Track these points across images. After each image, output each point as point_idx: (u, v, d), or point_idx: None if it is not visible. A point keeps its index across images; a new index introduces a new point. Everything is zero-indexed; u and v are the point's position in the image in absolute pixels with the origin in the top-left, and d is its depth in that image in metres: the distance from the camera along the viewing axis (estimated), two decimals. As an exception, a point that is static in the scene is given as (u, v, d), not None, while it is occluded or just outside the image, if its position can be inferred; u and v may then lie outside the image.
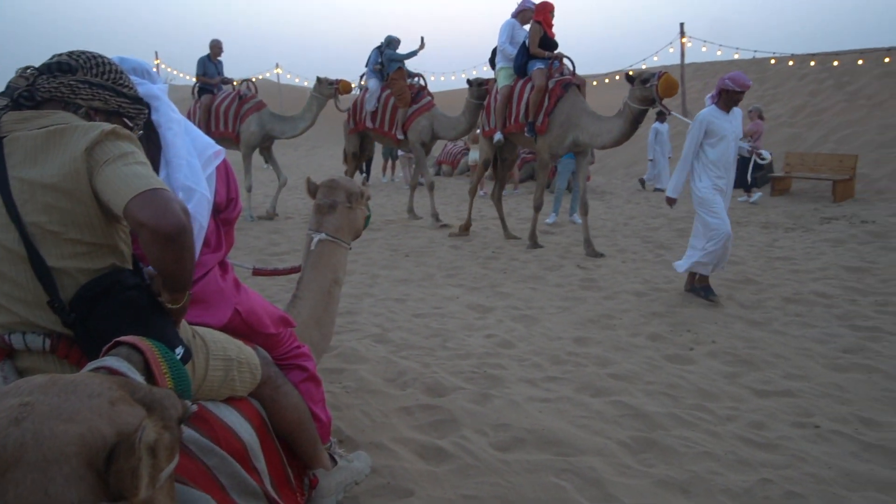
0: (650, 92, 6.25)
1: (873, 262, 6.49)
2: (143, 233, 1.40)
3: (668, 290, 5.67)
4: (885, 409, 3.31)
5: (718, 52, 17.86)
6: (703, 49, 17.90)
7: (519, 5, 7.76)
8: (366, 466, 2.50)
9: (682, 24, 17.50)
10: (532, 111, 7.26)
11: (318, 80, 9.62)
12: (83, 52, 1.69)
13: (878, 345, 4.22)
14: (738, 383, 3.68)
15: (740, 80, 5.18)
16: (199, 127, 9.72)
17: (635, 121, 6.55)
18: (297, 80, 36.03)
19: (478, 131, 9.22)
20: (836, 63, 15.98)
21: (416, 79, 9.69)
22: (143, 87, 1.86)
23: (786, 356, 4.06)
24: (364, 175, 19.20)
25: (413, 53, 9.62)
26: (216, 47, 10.04)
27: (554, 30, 7.60)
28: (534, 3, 7.58)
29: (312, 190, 2.98)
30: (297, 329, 2.58)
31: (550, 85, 7.23)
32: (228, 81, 10.30)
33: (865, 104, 14.12)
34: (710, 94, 5.43)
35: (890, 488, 2.60)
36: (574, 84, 7.26)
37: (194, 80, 10.16)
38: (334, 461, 2.31)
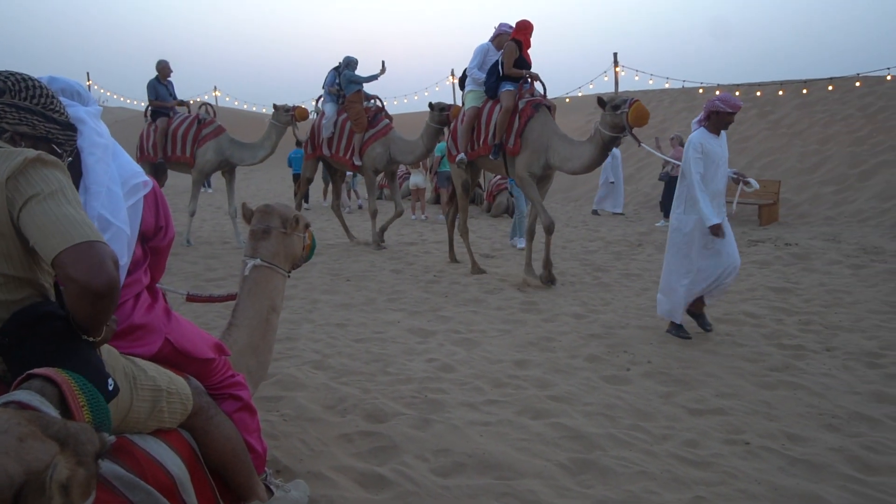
0: (620, 119, 6.00)
1: (797, 283, 6.79)
2: (71, 287, 1.34)
3: (606, 312, 5.79)
4: (809, 425, 3.44)
5: (650, 82, 18.53)
6: (636, 78, 18.53)
7: (496, 30, 7.53)
8: (303, 496, 2.44)
9: (615, 54, 18.10)
10: (499, 132, 6.99)
11: (275, 106, 9.34)
12: (12, 74, 1.63)
13: (802, 363, 4.39)
14: (672, 402, 3.77)
15: (731, 102, 4.85)
16: (155, 151, 9.47)
17: (605, 147, 6.32)
18: (235, 104, 35.63)
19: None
20: (758, 93, 16.79)
21: (372, 101, 9.45)
22: (69, 110, 1.80)
23: (718, 375, 4.19)
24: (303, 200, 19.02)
25: (373, 77, 9.35)
26: (164, 69, 9.69)
27: (530, 51, 7.34)
28: (510, 27, 7.35)
29: (248, 215, 2.94)
30: (233, 357, 2.52)
31: (521, 105, 6.96)
32: (184, 104, 9.98)
33: (786, 132, 14.88)
34: (696, 119, 5.09)
35: (815, 501, 2.70)
36: (545, 105, 7.02)
37: (145, 104, 9.77)
38: (270, 492, 2.25)
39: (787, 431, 3.35)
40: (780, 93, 16.72)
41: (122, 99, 32.79)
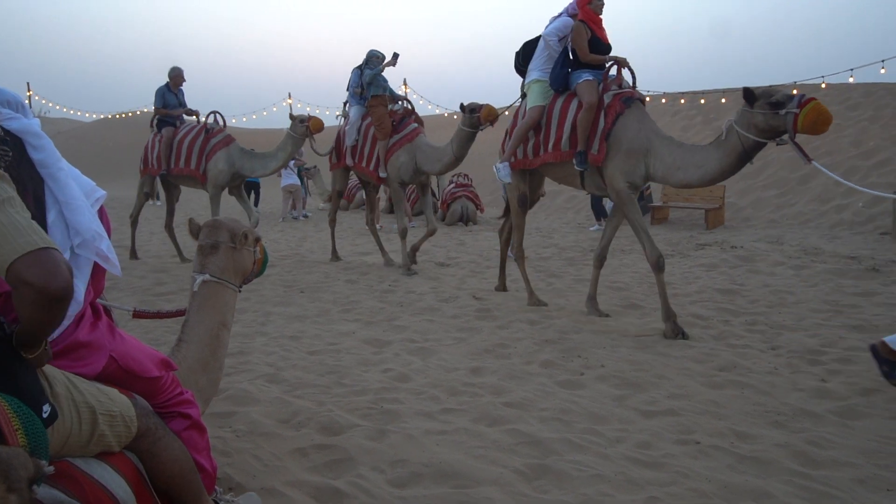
0: (782, 122, 4.46)
1: (742, 285, 6.99)
2: (26, 292, 1.34)
3: (560, 317, 5.85)
4: (756, 422, 3.54)
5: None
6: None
7: (570, 6, 6.00)
8: (256, 510, 2.39)
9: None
10: (582, 136, 5.55)
11: (291, 117, 8.61)
12: None
13: (748, 362, 4.52)
14: (625, 405, 3.83)
15: None
16: (160, 163, 8.91)
17: (745, 156, 4.77)
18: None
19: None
20: (702, 101, 17.29)
21: (400, 103, 8.43)
22: (16, 123, 1.74)
23: (669, 376, 4.28)
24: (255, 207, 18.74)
25: (379, 70, 8.26)
26: (177, 77, 9.06)
27: (605, 30, 5.87)
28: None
29: (195, 230, 2.89)
30: (183, 374, 2.47)
31: (607, 100, 5.54)
32: (193, 113, 9.24)
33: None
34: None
35: (763, 497, 2.77)
36: (638, 99, 5.62)
37: (153, 110, 9.16)
38: (222, 510, 2.20)
39: (736, 429, 3.44)
40: (723, 100, 17.24)
41: (63, 109, 31.81)
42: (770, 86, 4.68)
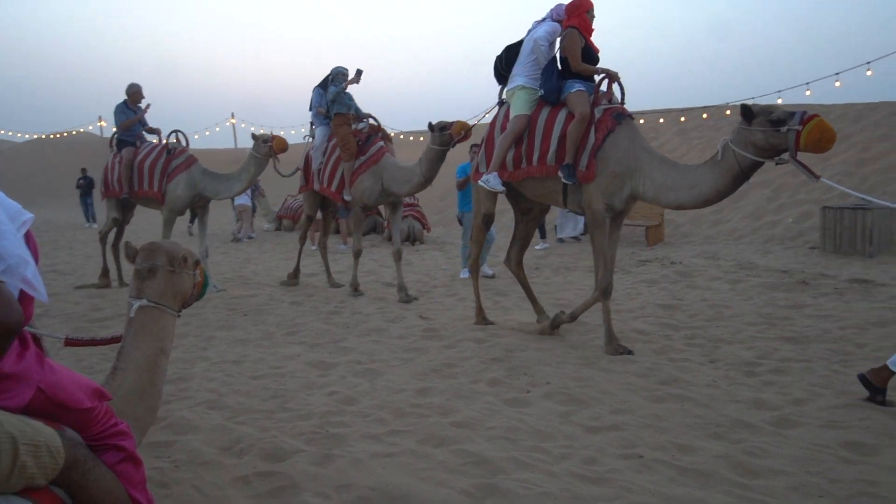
0: (783, 139, 4.31)
1: (682, 300, 7.19)
2: None
3: (507, 336, 5.89)
4: (696, 435, 3.63)
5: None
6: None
7: (554, 10, 5.80)
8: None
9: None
10: (571, 149, 5.27)
11: (254, 137, 8.20)
12: None
13: (688, 375, 4.64)
14: (571, 421, 3.87)
15: None
16: (121, 185, 8.43)
17: (742, 175, 4.61)
18: (122, 133, 34.04)
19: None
20: (642, 121, 17.79)
21: (365, 121, 8.04)
22: None
23: (612, 392, 4.35)
24: (189, 225, 18.35)
25: (342, 87, 7.89)
26: (135, 94, 8.63)
27: (593, 38, 5.65)
28: (562, 5, 5.71)
29: (131, 255, 2.80)
30: (118, 404, 2.38)
31: (597, 114, 5.30)
32: (155, 131, 8.87)
33: (668, 157, 15.84)
34: None
35: (704, 508, 2.84)
36: (628, 116, 5.40)
37: (115, 129, 8.68)
38: (159, 545, 2.12)
39: (677, 442, 3.51)
40: (661, 121, 17.83)
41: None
42: (769, 105, 4.58)
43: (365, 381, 4.67)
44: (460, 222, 9.74)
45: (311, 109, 8.47)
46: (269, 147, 8.00)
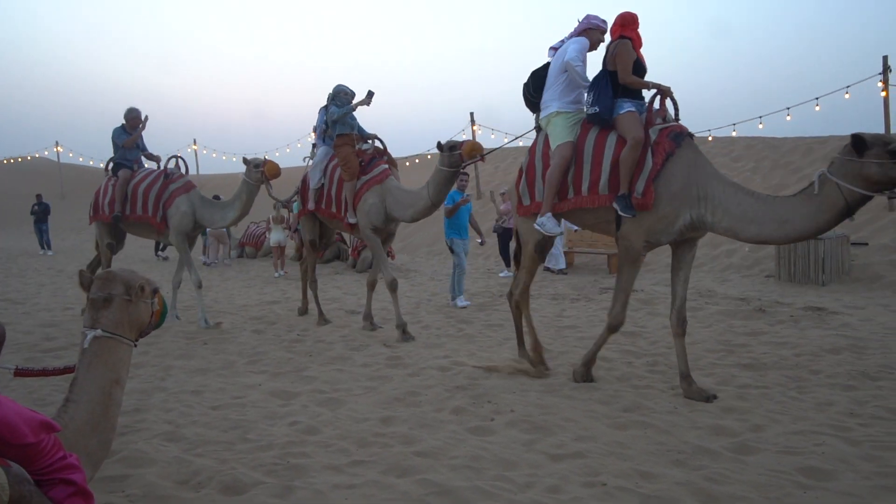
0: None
1: (643, 327, 7.28)
2: None
3: (470, 364, 5.88)
4: (658, 461, 3.65)
5: (505, 139, 19.52)
6: (492, 136, 19.47)
7: (584, 21, 5.35)
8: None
9: (472, 114, 18.94)
10: (625, 177, 4.79)
11: (245, 161, 7.78)
12: None
13: (650, 402, 4.68)
14: (534, 449, 3.87)
15: None
16: (112, 207, 8.04)
17: (847, 212, 4.16)
18: (80, 160, 33.39)
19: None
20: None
21: (369, 142, 7.61)
22: None
23: (575, 419, 4.36)
24: (159, 254, 18.00)
25: (349, 109, 7.44)
26: (134, 119, 8.34)
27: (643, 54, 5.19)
28: (601, 21, 5.31)
29: (86, 283, 2.74)
30: (69, 437, 2.31)
31: (652, 136, 4.83)
32: (154, 158, 8.55)
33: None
34: None
35: (666, 535, 2.85)
36: (688, 135, 4.88)
37: (114, 151, 8.35)
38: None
39: (640, 469, 3.53)
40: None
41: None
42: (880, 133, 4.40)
43: (327, 411, 4.60)
44: (451, 250, 9.43)
45: (314, 131, 8.10)
46: (260, 172, 7.60)
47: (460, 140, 6.63)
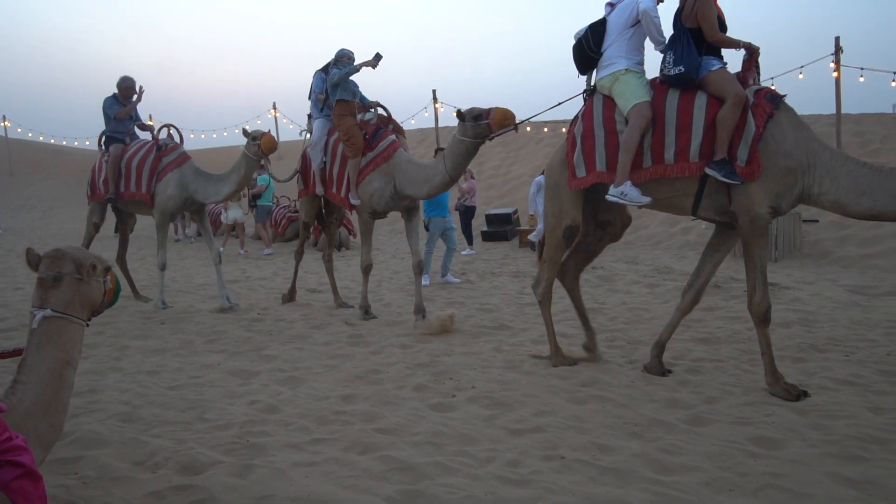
0: None
1: (603, 304, 7.39)
2: None
3: (432, 341, 5.89)
4: (615, 434, 3.72)
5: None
6: (454, 114, 19.37)
7: None
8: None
9: (434, 91, 18.81)
10: (723, 142, 4.29)
11: (245, 132, 7.23)
12: None
13: (608, 376, 4.76)
14: (495, 425, 3.91)
15: None
16: (107, 186, 7.55)
17: None
18: (30, 135, 32.23)
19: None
20: (563, 129, 18.20)
21: (372, 111, 6.83)
22: None
23: (535, 394, 4.41)
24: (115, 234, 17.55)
25: (352, 69, 6.67)
26: (128, 88, 7.76)
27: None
28: None
29: (34, 261, 2.65)
30: (18, 419, 2.25)
31: (750, 96, 4.36)
32: (147, 127, 8.01)
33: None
34: None
35: (622, 505, 2.92)
36: (782, 98, 4.42)
37: (106, 123, 7.82)
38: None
39: (597, 442, 3.60)
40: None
41: None
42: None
43: (287, 389, 4.57)
44: (426, 227, 9.17)
45: (309, 98, 7.28)
46: (257, 146, 7.00)
47: (485, 108, 5.79)
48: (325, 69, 6.98)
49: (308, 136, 7.42)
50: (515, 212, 14.80)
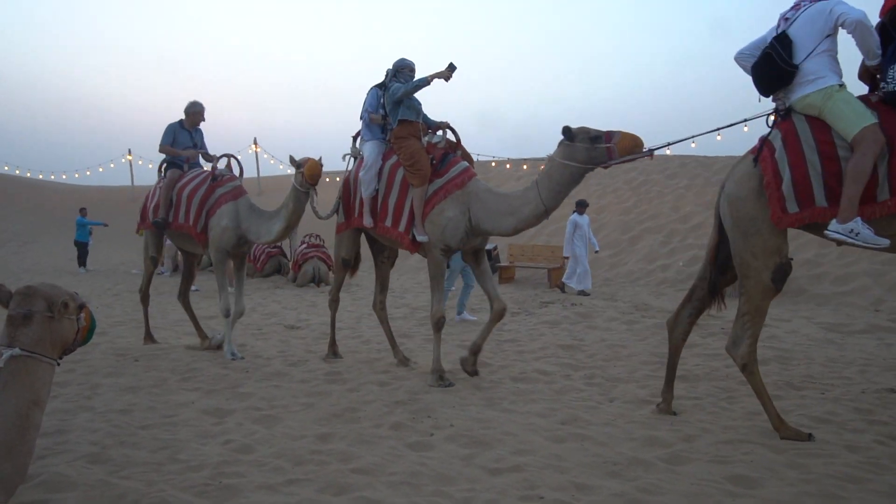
0: None
1: (581, 340, 7.40)
2: None
3: (410, 378, 5.85)
4: (594, 473, 3.70)
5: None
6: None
7: None
8: None
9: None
10: None
11: (292, 160, 6.33)
12: None
13: (588, 414, 4.74)
14: (473, 464, 3.86)
15: None
16: (156, 211, 7.03)
17: None
18: (6, 168, 31.91)
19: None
20: (541, 167, 18.45)
21: (440, 134, 5.98)
22: None
23: (514, 433, 4.37)
24: (80, 269, 17.31)
25: (421, 82, 5.68)
26: (195, 114, 7.31)
27: None
28: None
29: (5, 298, 2.61)
30: (-20, 460, 2.18)
31: None
32: (211, 158, 7.29)
33: (567, 202, 16.48)
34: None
35: (601, 547, 2.88)
36: None
37: (160, 149, 7.32)
38: None
39: (576, 482, 3.56)
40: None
41: None
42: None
43: (263, 428, 4.49)
44: (448, 265, 8.96)
45: (361, 118, 6.30)
46: (301, 174, 6.18)
47: (601, 130, 5.02)
48: (382, 85, 6.08)
49: (352, 161, 6.50)
50: (495, 248, 14.90)
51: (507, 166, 18.31)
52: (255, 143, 24.53)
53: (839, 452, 3.89)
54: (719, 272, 4.66)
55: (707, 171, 16.28)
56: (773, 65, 4.21)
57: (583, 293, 11.30)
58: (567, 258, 11.79)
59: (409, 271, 15.90)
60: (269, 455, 3.97)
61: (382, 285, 6.84)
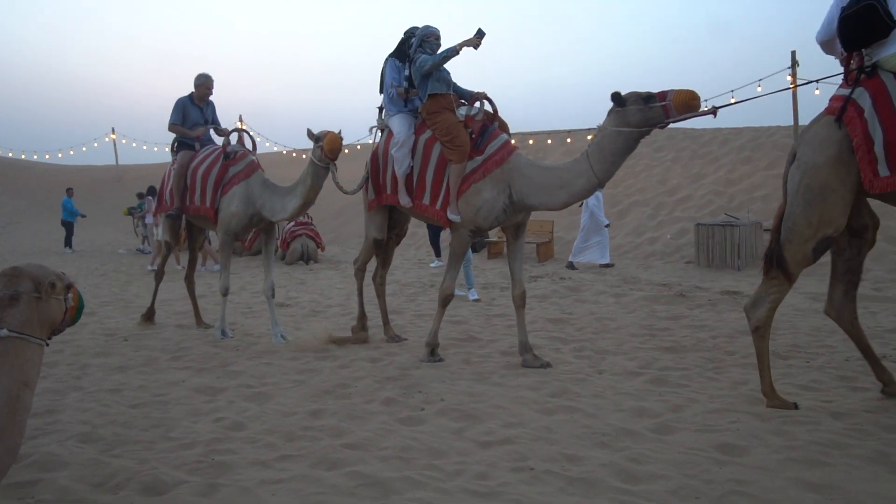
0: None
1: (570, 314, 7.45)
2: None
3: (401, 354, 5.88)
4: (584, 444, 3.74)
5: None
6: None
7: None
8: None
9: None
10: None
11: (310, 134, 5.99)
12: None
13: (577, 387, 4.79)
14: (464, 437, 3.90)
15: None
16: (172, 199, 6.81)
17: None
18: (-14, 147, 31.33)
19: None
20: (531, 141, 18.41)
21: (476, 105, 5.58)
22: None
23: (504, 406, 4.41)
24: (66, 249, 17.16)
25: (450, 52, 5.30)
26: (203, 87, 6.98)
27: None
28: None
29: None
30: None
31: None
32: (223, 132, 6.98)
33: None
34: None
35: (590, 516, 2.93)
36: None
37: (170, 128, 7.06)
38: None
39: (566, 453, 3.61)
40: (549, 141, 18.51)
41: None
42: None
43: (255, 406, 4.51)
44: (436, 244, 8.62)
45: (381, 91, 6.02)
46: (320, 148, 5.88)
47: (654, 90, 4.64)
48: (399, 54, 5.83)
49: (379, 134, 6.17)
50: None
51: (549, 141, 18.08)
52: (241, 119, 24.29)
53: (824, 419, 3.96)
54: (850, 238, 4.36)
55: (695, 144, 16.30)
56: (875, 15, 3.86)
57: (607, 265, 11.07)
58: (608, 226, 11.53)
59: (399, 248, 15.88)
60: (261, 432, 3.99)
61: (385, 260, 6.72)
